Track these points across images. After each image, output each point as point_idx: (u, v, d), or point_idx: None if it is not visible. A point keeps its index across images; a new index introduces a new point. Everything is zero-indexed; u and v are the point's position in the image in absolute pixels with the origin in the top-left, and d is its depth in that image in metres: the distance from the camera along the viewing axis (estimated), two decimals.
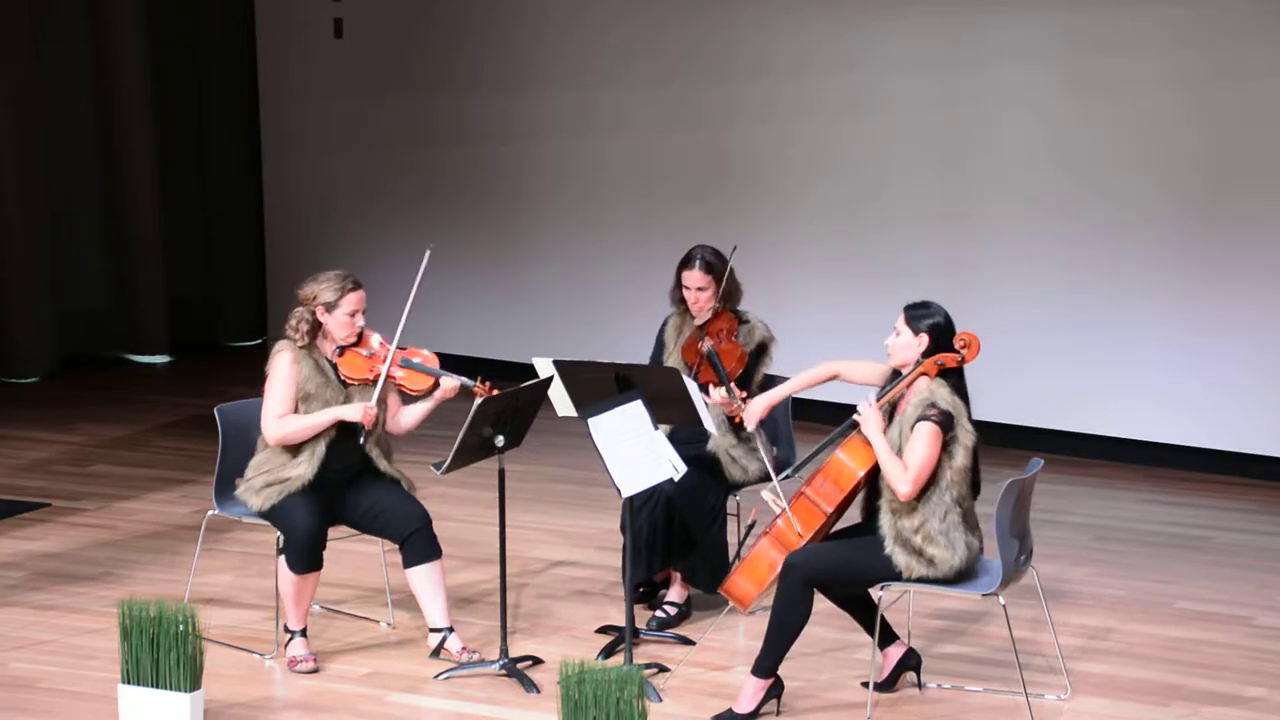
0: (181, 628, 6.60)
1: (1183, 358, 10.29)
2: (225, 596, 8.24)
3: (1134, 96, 10.30)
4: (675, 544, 7.85)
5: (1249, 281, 10.11)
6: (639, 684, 6.03)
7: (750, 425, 7.21)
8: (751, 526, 7.14)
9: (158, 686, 6.65)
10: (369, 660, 7.53)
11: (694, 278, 7.88)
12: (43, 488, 9.92)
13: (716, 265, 7.89)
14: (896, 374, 6.90)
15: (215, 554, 8.72)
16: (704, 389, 7.73)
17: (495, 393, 7.29)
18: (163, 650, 6.63)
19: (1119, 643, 7.75)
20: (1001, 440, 9.76)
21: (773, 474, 7.18)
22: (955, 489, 6.74)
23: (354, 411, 7.33)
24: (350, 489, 7.49)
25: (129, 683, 6.69)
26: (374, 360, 7.40)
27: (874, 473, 6.84)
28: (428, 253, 7.54)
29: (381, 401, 7.44)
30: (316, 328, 7.42)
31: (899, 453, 6.74)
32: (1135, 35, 10.26)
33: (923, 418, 6.71)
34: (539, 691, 7.16)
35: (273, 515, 7.37)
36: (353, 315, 7.39)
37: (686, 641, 7.63)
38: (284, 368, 7.38)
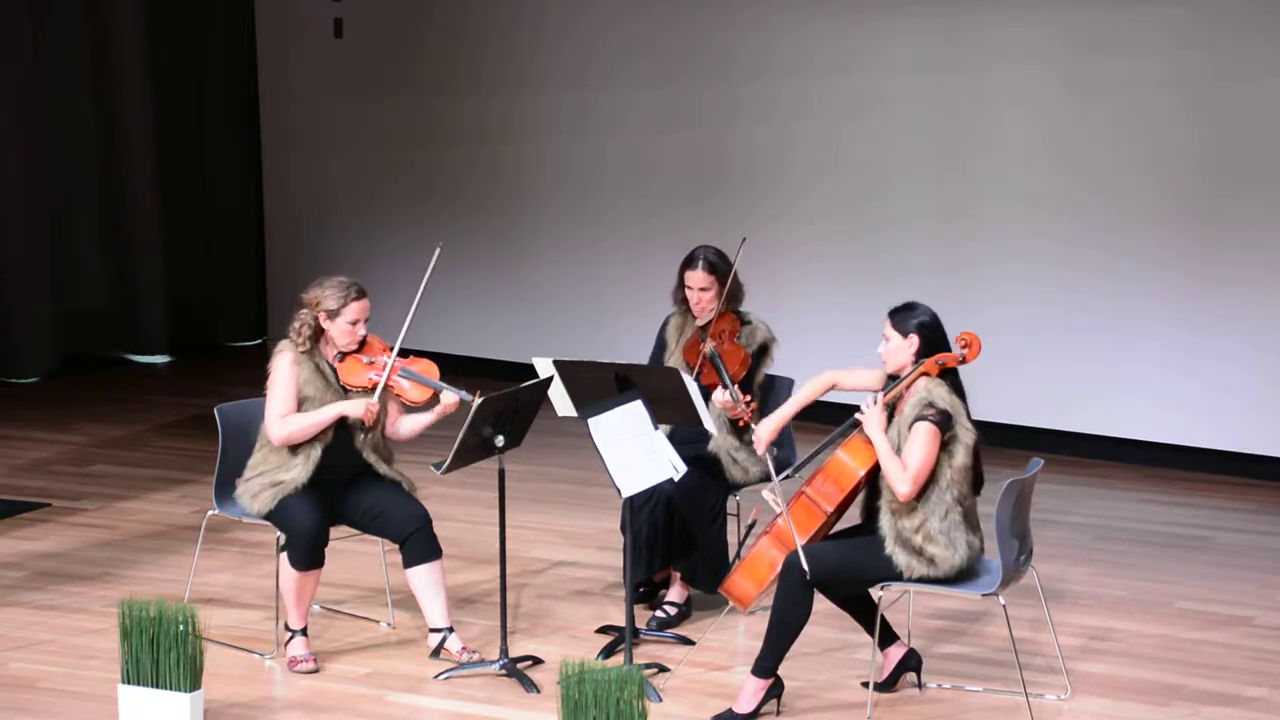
0: (181, 628, 6.60)
1: (1183, 358, 10.29)
2: (225, 596, 8.24)
3: (1134, 96, 10.30)
4: (675, 544, 7.85)
5: (1249, 281, 10.11)
6: (639, 684, 6.03)
7: (760, 449, 7.11)
8: (752, 526, 7.14)
9: (158, 686, 6.65)
10: (369, 660, 7.53)
11: (697, 278, 7.88)
12: (43, 488, 9.92)
13: (720, 266, 7.88)
14: (894, 378, 6.90)
15: (215, 554, 8.72)
16: (707, 391, 7.74)
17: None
18: (163, 650, 6.63)
19: (1119, 643, 7.75)
20: (1001, 440, 9.76)
21: (773, 474, 7.17)
22: (956, 488, 6.74)
23: (356, 407, 7.34)
24: (350, 489, 7.49)
25: (129, 683, 6.69)
26: (374, 368, 7.41)
27: (874, 473, 6.84)
28: (437, 250, 7.51)
29: (381, 406, 7.45)
30: (319, 332, 7.42)
31: (897, 452, 6.74)
32: (1135, 35, 10.26)
33: (920, 417, 6.72)
34: (539, 691, 7.16)
35: (273, 515, 7.38)
36: (354, 324, 7.39)
37: (686, 641, 7.63)
38: (285, 368, 7.39)
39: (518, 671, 7.28)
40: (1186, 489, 10.09)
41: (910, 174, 10.95)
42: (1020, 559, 6.96)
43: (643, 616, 7.85)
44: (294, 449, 7.37)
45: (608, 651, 7.53)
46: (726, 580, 7.02)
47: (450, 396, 7.39)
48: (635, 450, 6.98)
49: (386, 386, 7.37)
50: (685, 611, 7.94)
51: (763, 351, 7.94)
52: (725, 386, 7.69)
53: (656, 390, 7.36)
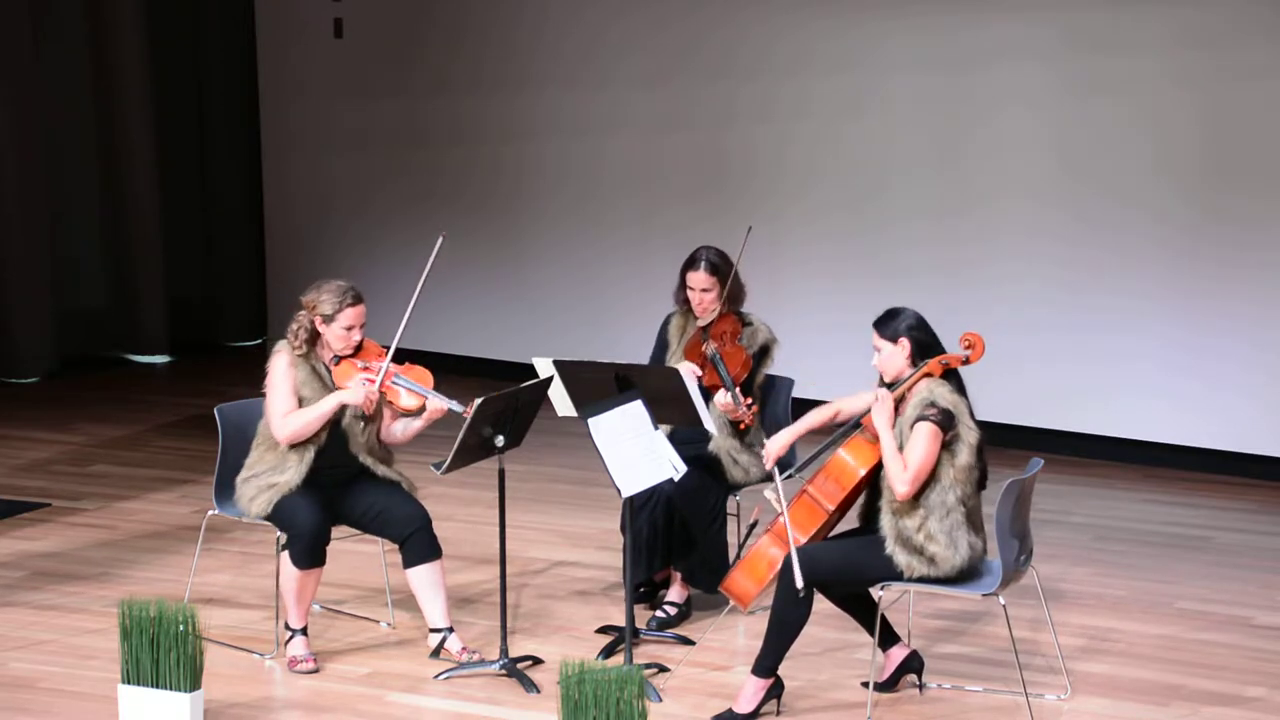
0: (181, 628, 6.60)
1: (1183, 358, 10.29)
2: (225, 596, 8.24)
3: (1134, 96, 10.30)
4: (675, 544, 7.85)
5: (1249, 281, 10.11)
6: (639, 684, 6.03)
7: (769, 464, 7.08)
8: (754, 526, 7.13)
9: (158, 686, 6.65)
10: (369, 660, 7.53)
11: (699, 279, 7.88)
12: (43, 488, 9.92)
13: (721, 266, 7.88)
14: (893, 387, 6.89)
15: (215, 554, 8.72)
16: (709, 393, 7.74)
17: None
18: (163, 650, 6.63)
19: (1119, 643, 7.75)
20: (1001, 440, 9.74)
21: (775, 474, 7.16)
22: (958, 488, 6.74)
23: (355, 395, 7.34)
24: (349, 489, 7.49)
25: (129, 683, 6.69)
26: (368, 374, 7.41)
27: (875, 472, 6.84)
28: (439, 239, 7.51)
29: (376, 413, 7.47)
30: (315, 335, 7.43)
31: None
32: (1135, 34, 10.26)
33: (921, 417, 6.72)
34: (539, 691, 7.16)
35: (273, 516, 7.38)
36: (349, 330, 7.39)
37: (686, 641, 7.63)
38: (282, 369, 7.41)
39: (518, 671, 7.28)
40: (1186, 489, 10.09)
41: (910, 174, 10.95)
42: (1020, 559, 6.96)
43: (643, 616, 7.85)
44: (288, 451, 7.37)
45: (608, 651, 7.53)
46: (726, 578, 7.02)
47: (438, 403, 7.38)
48: (635, 450, 6.97)
49: (381, 393, 7.38)
50: (685, 611, 7.94)
51: (763, 353, 7.94)
52: (727, 389, 7.69)
53: (656, 390, 7.36)
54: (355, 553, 8.45)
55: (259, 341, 13.37)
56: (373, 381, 7.36)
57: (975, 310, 10.15)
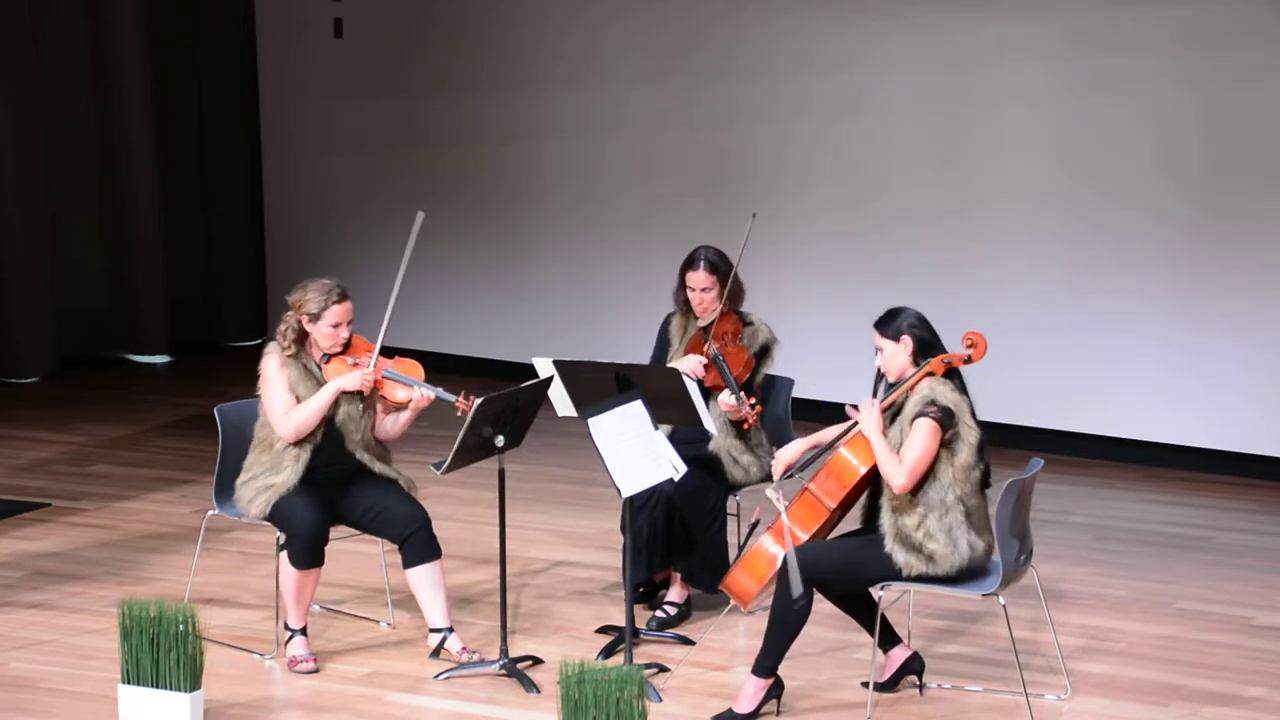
0: (181, 628, 6.60)
1: (1183, 358, 10.29)
2: (225, 596, 8.24)
3: (1134, 95, 10.30)
4: (675, 544, 7.84)
5: (1249, 281, 10.11)
6: (639, 684, 6.03)
7: (777, 475, 7.08)
8: (755, 526, 7.13)
9: (158, 686, 6.65)
10: (369, 660, 7.53)
11: (698, 278, 7.87)
12: (43, 488, 9.92)
13: (721, 266, 7.88)
14: (897, 387, 6.90)
15: (215, 554, 8.72)
16: (710, 393, 7.74)
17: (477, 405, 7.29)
18: (163, 650, 6.63)
19: (1119, 643, 7.75)
20: (1001, 440, 9.73)
21: (776, 472, 7.16)
22: (958, 487, 6.74)
23: (352, 380, 7.34)
24: (349, 489, 7.49)
25: (129, 683, 6.69)
26: (358, 369, 7.41)
27: (877, 470, 6.84)
28: (419, 216, 7.50)
29: (370, 405, 7.47)
30: (303, 335, 7.44)
31: (897, 452, 6.75)
32: (1135, 34, 10.26)
33: (921, 413, 6.72)
34: (539, 691, 7.16)
35: (272, 516, 7.38)
36: (336, 327, 7.39)
37: (686, 641, 7.63)
38: (273, 369, 7.42)
39: (518, 671, 7.27)
40: (1186, 489, 10.09)
41: (910, 174, 10.95)
42: (1020, 559, 6.96)
43: (643, 616, 7.85)
44: (283, 451, 7.37)
45: (608, 651, 7.53)
46: (726, 576, 7.02)
47: (425, 391, 7.37)
48: (635, 450, 6.97)
49: (374, 387, 7.39)
50: (685, 611, 7.93)
51: (764, 352, 7.94)
52: (730, 389, 7.69)
53: (656, 390, 7.36)
54: (355, 553, 8.45)
55: (259, 341, 13.36)
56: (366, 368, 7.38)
57: (975, 310, 10.15)
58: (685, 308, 7.99)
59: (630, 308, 11.41)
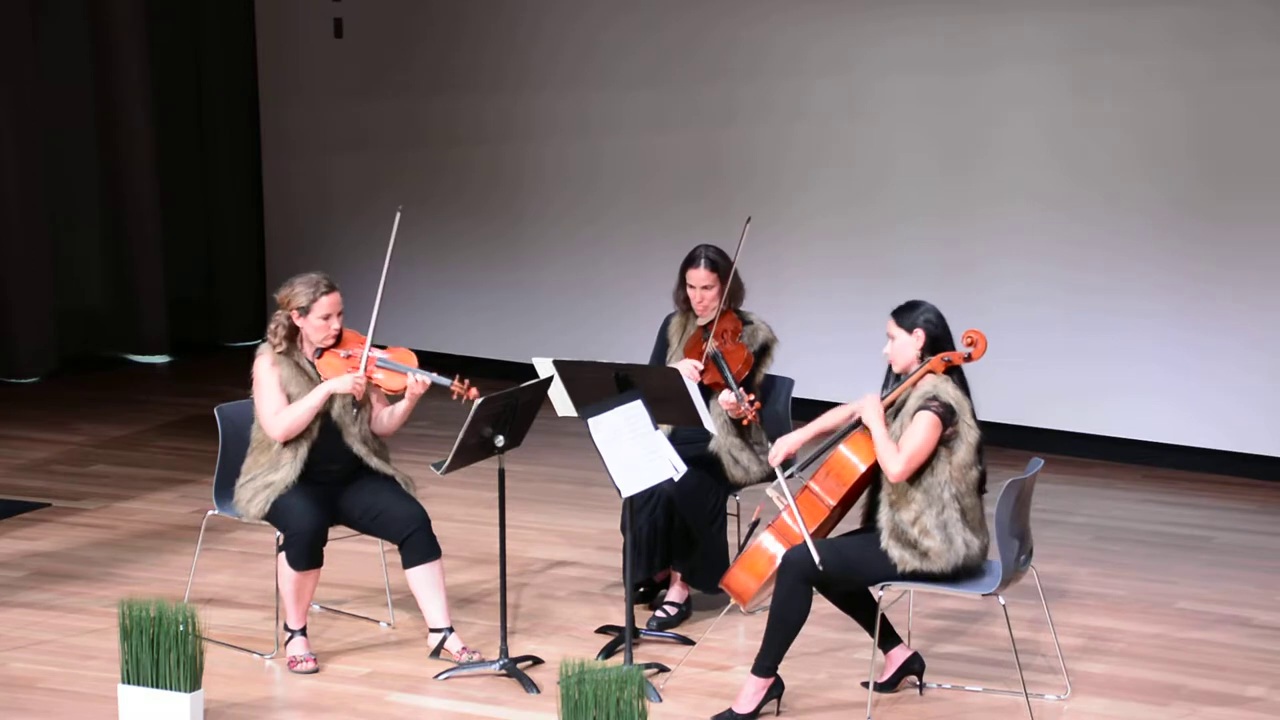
0: (181, 628, 6.60)
1: (1183, 358, 10.29)
2: (225, 596, 8.24)
3: (1134, 96, 10.30)
4: (675, 544, 7.84)
5: (1249, 282, 10.11)
6: (639, 684, 6.03)
7: (775, 462, 7.08)
8: (755, 525, 7.13)
9: (158, 686, 6.65)
10: (369, 660, 7.53)
11: (699, 276, 7.88)
12: (43, 488, 9.92)
13: (721, 264, 7.88)
14: (900, 379, 6.90)
15: (215, 554, 8.72)
16: (710, 391, 7.74)
17: (474, 390, 7.29)
18: (163, 650, 6.63)
19: (1119, 643, 7.75)
20: (1001, 440, 9.75)
21: (778, 470, 7.15)
22: (955, 485, 6.74)
23: (343, 383, 7.34)
24: (348, 488, 7.49)
25: (129, 683, 6.69)
26: (352, 361, 7.41)
27: (876, 469, 6.84)
28: (398, 214, 7.51)
29: (366, 400, 7.46)
30: (294, 331, 7.44)
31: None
32: (1136, 35, 10.26)
33: (923, 407, 6.73)
34: (539, 691, 7.16)
35: (272, 516, 7.38)
36: (327, 319, 7.39)
37: (686, 641, 7.63)
38: (265, 369, 7.44)
39: (518, 671, 7.27)
40: (1186, 489, 10.09)
41: (910, 173, 10.95)
42: (1020, 559, 6.96)
43: (643, 616, 7.85)
44: (281, 450, 7.37)
45: (608, 651, 7.53)
46: (726, 575, 7.02)
47: (421, 377, 7.36)
48: (635, 450, 6.97)
49: (366, 379, 7.38)
50: (685, 611, 7.94)
51: (764, 351, 7.94)
52: (730, 387, 7.69)
53: (656, 390, 7.36)
54: (355, 553, 8.45)
55: (259, 341, 13.34)
56: (357, 368, 7.36)
57: (975, 310, 10.13)
58: (685, 307, 7.99)
59: (630, 308, 11.41)
